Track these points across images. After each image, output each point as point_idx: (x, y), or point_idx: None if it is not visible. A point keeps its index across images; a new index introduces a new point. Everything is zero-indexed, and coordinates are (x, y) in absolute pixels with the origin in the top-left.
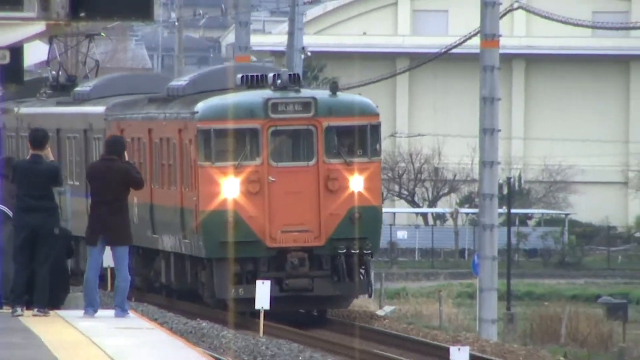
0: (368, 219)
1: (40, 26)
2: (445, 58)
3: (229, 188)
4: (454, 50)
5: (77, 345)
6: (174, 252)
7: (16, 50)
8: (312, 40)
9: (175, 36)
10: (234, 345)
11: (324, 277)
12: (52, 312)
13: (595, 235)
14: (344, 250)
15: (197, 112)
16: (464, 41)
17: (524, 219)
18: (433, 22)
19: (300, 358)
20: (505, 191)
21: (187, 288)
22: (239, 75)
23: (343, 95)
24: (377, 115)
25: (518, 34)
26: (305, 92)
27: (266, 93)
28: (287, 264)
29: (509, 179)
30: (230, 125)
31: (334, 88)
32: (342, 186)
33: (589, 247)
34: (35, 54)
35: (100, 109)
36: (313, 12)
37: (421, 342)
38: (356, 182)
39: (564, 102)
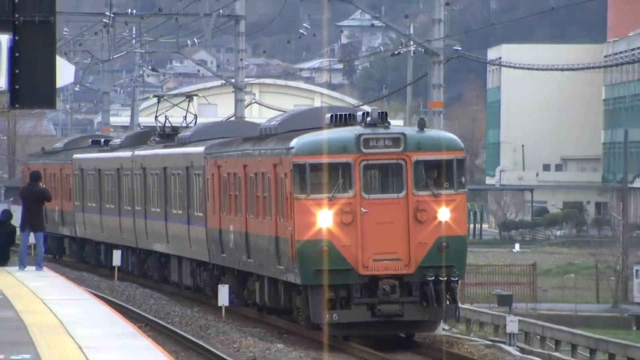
0: (455, 247)
1: None
2: None
3: (324, 219)
4: None
5: (15, 286)
6: (268, 276)
7: None
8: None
9: (69, 117)
10: None
11: (414, 303)
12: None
13: None
14: (433, 278)
15: (292, 148)
16: None
17: None
18: None
19: None
20: None
21: (281, 308)
22: (328, 115)
23: (430, 131)
24: (462, 150)
25: None
26: (394, 128)
27: (357, 129)
28: (379, 291)
29: None
30: (324, 159)
31: (422, 124)
32: (430, 217)
33: None
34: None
35: (200, 149)
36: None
37: None
38: (443, 213)
39: None
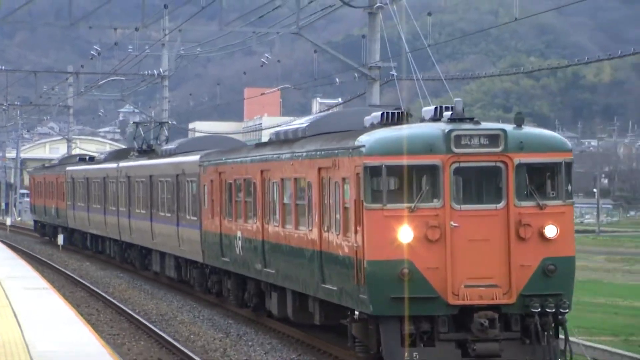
0: (563, 271)
1: None
2: None
3: (404, 234)
4: None
5: None
6: (294, 290)
7: None
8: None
9: None
10: None
11: (514, 340)
12: None
13: None
14: (538, 309)
15: (361, 147)
16: None
17: None
18: None
19: None
20: None
21: (307, 323)
22: (378, 113)
23: (529, 129)
24: (570, 151)
25: None
26: (488, 124)
27: (442, 125)
28: (474, 325)
29: None
30: (405, 160)
31: (520, 120)
32: (534, 233)
33: None
34: None
35: (193, 158)
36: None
37: None
38: (550, 229)
39: None
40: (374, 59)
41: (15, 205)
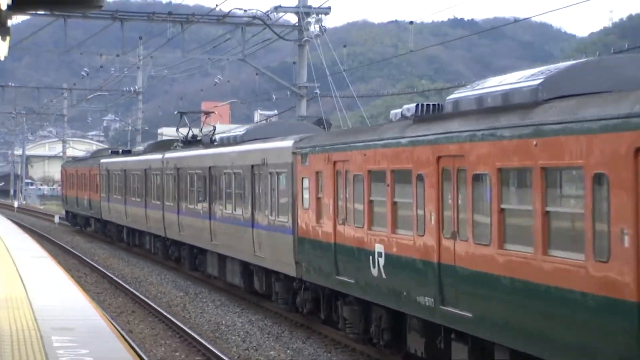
0: None
1: None
2: None
3: None
4: None
5: None
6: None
7: None
8: None
9: None
10: None
11: None
12: None
13: None
14: None
15: None
16: None
17: None
18: None
19: None
20: None
21: None
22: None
23: None
24: None
25: None
26: None
27: None
28: None
29: None
30: None
31: None
32: None
33: None
34: None
35: (283, 143)
36: None
37: None
38: None
39: None
40: (302, 81)
41: (21, 192)
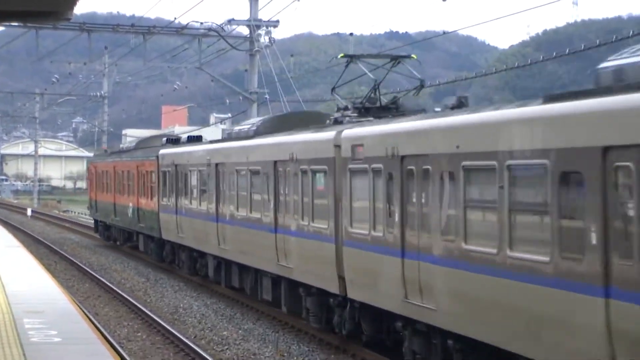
0: None
1: None
2: None
3: None
4: None
5: None
6: None
7: None
8: None
9: None
10: None
11: None
12: None
13: None
14: None
15: None
16: None
17: None
18: None
19: None
20: None
21: None
22: None
23: None
24: None
25: None
26: None
27: None
28: None
29: None
30: None
31: None
32: None
33: None
34: None
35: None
36: None
37: None
38: None
39: None
40: (253, 87)
41: None
